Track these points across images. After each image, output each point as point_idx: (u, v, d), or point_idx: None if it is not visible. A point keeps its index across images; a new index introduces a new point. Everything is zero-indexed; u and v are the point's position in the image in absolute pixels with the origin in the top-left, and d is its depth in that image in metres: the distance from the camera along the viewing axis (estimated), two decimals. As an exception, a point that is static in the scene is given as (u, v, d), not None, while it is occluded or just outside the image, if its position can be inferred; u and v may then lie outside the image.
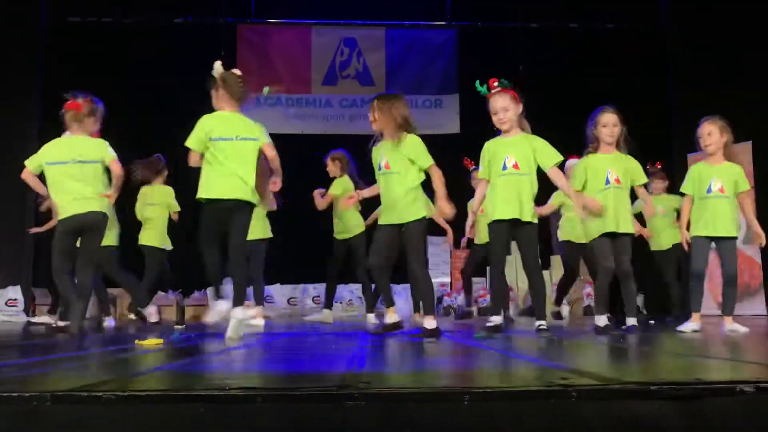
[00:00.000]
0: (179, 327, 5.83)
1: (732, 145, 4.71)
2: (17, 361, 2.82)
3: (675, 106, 9.66)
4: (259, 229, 6.17)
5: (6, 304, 7.92)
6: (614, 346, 3.38)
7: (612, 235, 4.51)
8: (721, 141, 4.64)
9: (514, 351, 3.04)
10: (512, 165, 4.37)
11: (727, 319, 4.54)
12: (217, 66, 4.36)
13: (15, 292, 7.90)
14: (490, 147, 4.54)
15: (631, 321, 4.58)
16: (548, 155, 4.40)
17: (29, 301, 7.76)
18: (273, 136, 11.24)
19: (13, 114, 8.75)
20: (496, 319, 4.49)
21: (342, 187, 6.57)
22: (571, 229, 6.16)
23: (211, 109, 4.32)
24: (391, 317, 4.54)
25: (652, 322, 6.49)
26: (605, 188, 4.55)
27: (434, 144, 9.74)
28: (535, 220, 4.40)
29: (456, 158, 8.87)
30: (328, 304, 6.78)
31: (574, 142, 8.79)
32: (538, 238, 4.47)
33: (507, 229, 4.38)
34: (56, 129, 9.57)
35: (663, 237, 6.56)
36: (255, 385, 1.73)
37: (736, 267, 4.56)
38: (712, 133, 4.66)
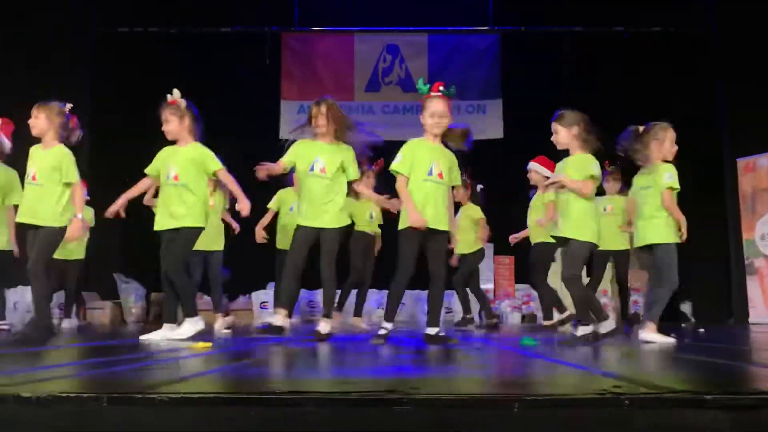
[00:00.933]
0: (226, 331, 5.90)
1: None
2: (73, 363, 2.89)
3: (724, 110, 9.43)
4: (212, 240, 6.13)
5: (58, 307, 8.12)
6: (663, 353, 3.32)
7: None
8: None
9: (563, 358, 3.00)
10: (437, 173, 4.18)
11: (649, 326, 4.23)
12: (177, 93, 4.50)
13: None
14: (414, 146, 4.27)
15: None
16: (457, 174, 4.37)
17: (79, 304, 7.95)
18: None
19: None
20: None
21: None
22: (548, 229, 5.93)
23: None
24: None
25: (702, 330, 6.34)
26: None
27: (478, 149, 9.75)
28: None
29: (500, 163, 8.83)
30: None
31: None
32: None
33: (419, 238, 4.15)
34: (104, 138, 9.79)
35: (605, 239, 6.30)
36: (305, 389, 1.74)
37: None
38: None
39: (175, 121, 4.49)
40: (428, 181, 4.14)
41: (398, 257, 4.14)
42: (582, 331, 4.09)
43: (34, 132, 4.55)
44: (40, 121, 4.52)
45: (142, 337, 4.39)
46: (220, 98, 9.39)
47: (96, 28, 9.84)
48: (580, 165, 4.13)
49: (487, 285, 8.96)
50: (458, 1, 10.32)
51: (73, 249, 6.79)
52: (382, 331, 4.13)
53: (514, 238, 6.72)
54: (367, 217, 6.62)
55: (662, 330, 4.18)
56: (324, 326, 4.40)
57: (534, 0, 10.00)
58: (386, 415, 1.57)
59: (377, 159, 6.55)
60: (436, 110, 4.17)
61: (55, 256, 5.45)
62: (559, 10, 9.86)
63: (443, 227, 4.15)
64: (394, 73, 10.52)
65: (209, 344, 3.85)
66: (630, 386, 1.79)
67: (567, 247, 4.12)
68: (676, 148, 4.42)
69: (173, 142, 4.59)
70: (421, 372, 2.30)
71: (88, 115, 9.49)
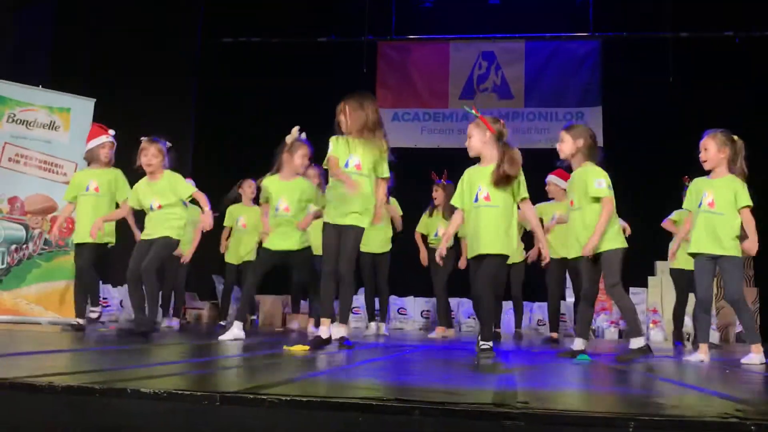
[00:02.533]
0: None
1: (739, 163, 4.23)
2: (181, 361, 3.00)
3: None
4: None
5: (160, 306, 8.44)
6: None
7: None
8: (718, 156, 4.21)
9: (677, 379, 2.87)
10: (483, 197, 3.97)
11: (754, 348, 4.07)
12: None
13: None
14: (469, 174, 4.17)
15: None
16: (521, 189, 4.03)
17: (180, 304, 8.23)
18: (409, 150, 11.52)
19: (170, 132, 9.38)
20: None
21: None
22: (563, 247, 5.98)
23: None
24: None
25: None
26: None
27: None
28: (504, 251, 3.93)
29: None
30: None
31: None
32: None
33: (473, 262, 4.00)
34: (207, 143, 10.13)
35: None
36: (410, 397, 1.73)
37: (739, 289, 4.12)
38: (708, 147, 4.25)
39: (300, 158, 5.03)
40: (476, 207, 4.00)
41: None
42: (635, 344, 4.08)
43: (150, 170, 5.12)
44: (158, 160, 5.13)
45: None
46: (316, 106, 9.56)
47: (203, 39, 10.25)
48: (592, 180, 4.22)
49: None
50: (557, 7, 10.12)
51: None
52: (485, 346, 3.83)
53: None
54: (433, 235, 6.89)
55: None
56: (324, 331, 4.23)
57: (637, 5, 9.67)
58: (495, 429, 1.54)
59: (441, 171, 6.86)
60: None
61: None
62: (663, 15, 9.50)
63: (486, 251, 3.89)
64: (490, 80, 10.42)
65: (307, 348, 3.91)
66: (753, 411, 1.68)
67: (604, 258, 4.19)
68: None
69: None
70: (525, 385, 2.25)
71: (193, 122, 9.93)
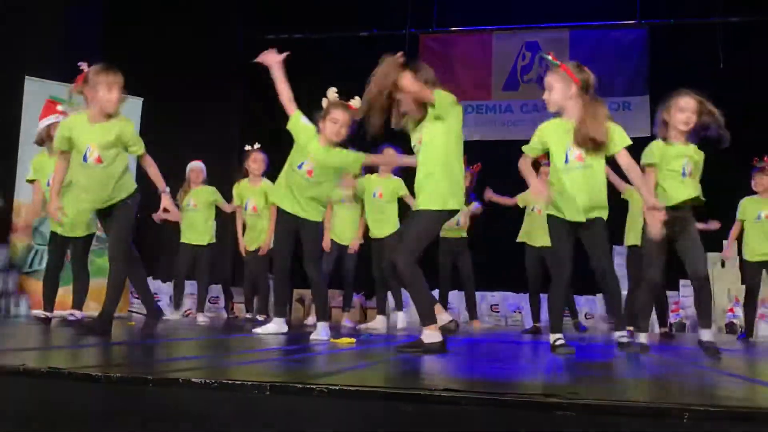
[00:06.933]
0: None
1: None
2: (231, 353, 3.04)
3: None
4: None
5: (209, 301, 8.58)
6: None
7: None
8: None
9: (731, 370, 2.80)
10: (575, 158, 3.59)
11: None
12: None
13: (217, 291, 8.55)
14: (553, 129, 3.70)
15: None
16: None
17: (229, 299, 8.35)
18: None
19: (217, 132, 9.48)
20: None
21: None
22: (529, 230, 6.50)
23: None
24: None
25: None
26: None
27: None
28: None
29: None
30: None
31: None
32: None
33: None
34: (255, 141, 10.26)
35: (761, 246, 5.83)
36: (459, 387, 1.73)
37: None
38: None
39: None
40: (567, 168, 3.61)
41: None
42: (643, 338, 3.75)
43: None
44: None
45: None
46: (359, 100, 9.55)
47: (245, 36, 10.34)
48: None
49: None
50: (602, -6, 9.94)
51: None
52: (559, 342, 3.40)
53: None
54: (453, 224, 6.52)
55: None
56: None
57: (685, -10, 9.43)
58: (545, 419, 1.52)
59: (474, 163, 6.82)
60: None
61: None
62: (712, 0, 9.24)
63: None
64: (534, 71, 10.28)
65: (353, 340, 3.93)
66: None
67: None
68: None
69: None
70: (575, 376, 2.22)
71: (239, 120, 10.04)
